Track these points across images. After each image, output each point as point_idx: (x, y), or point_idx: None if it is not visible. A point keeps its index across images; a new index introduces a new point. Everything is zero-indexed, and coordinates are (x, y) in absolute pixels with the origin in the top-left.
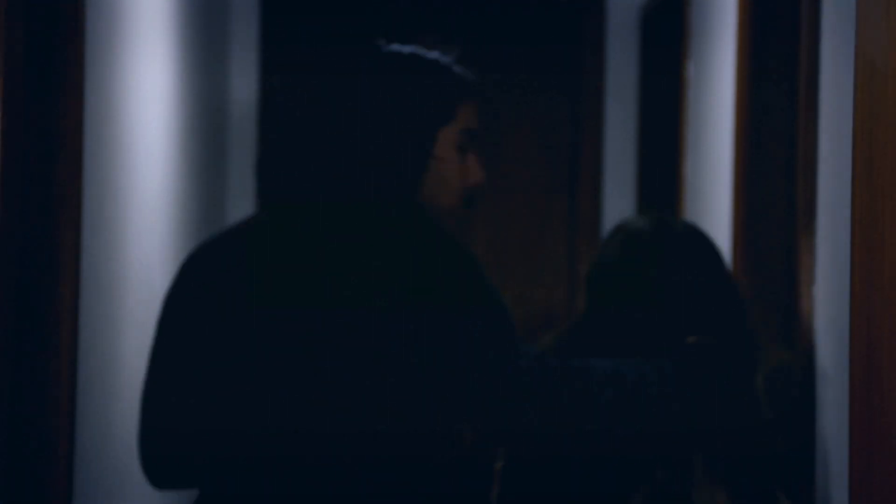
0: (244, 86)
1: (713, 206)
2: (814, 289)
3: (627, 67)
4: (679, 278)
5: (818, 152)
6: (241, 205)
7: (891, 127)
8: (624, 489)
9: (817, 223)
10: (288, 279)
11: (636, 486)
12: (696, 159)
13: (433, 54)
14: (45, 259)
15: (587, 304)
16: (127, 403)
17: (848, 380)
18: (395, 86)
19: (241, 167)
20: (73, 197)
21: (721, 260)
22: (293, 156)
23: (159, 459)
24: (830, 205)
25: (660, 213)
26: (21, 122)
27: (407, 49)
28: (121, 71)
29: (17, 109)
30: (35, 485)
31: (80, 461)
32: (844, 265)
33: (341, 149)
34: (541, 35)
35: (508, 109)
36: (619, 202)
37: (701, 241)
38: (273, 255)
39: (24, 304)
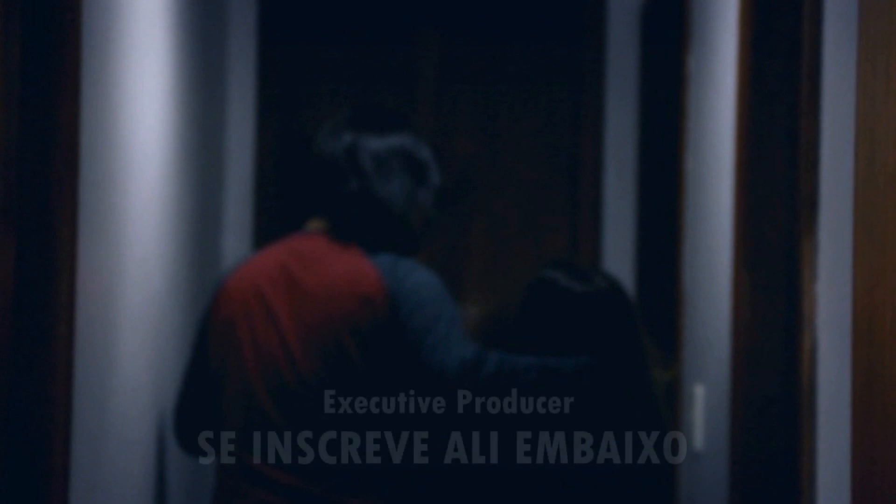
0: (243, 84)
1: (714, 202)
2: (816, 285)
3: (628, 63)
4: (590, 334)
5: (820, 148)
6: (238, 204)
7: (893, 121)
8: None
9: (819, 219)
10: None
11: None
12: (698, 155)
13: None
14: (42, 259)
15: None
16: (124, 402)
17: (850, 377)
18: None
19: (239, 167)
20: (69, 196)
21: (629, 311)
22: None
23: (179, 434)
24: (833, 200)
25: (584, 270)
26: (17, 120)
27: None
28: (118, 70)
29: (12, 108)
30: (33, 484)
31: (78, 460)
32: (847, 261)
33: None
34: (541, 30)
35: (508, 105)
36: (619, 198)
37: (614, 298)
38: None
39: (21, 304)
